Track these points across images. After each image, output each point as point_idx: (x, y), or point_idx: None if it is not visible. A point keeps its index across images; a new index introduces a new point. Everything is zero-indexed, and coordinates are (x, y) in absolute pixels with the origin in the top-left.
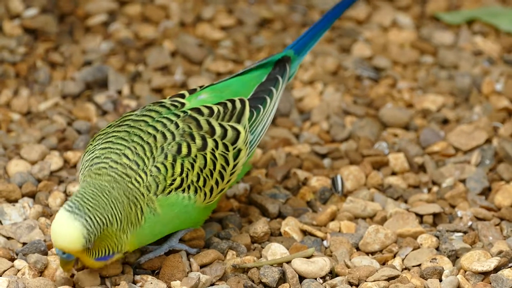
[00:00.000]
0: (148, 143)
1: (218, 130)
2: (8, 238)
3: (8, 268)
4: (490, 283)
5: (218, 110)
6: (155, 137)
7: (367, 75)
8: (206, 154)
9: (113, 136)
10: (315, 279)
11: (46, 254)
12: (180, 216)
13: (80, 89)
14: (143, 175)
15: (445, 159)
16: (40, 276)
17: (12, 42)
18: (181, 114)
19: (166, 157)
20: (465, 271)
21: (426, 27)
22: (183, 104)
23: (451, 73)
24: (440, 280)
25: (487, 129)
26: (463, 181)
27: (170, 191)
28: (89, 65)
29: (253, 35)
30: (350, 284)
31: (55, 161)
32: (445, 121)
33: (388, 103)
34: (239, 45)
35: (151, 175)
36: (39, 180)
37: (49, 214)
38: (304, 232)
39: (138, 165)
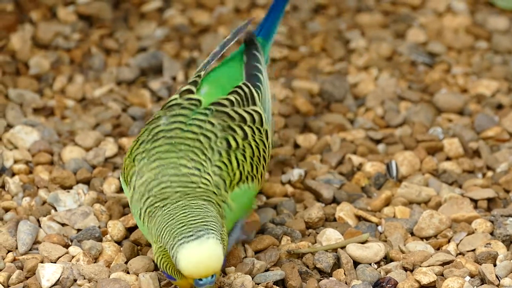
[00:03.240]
0: (196, 147)
1: (247, 117)
2: (63, 224)
3: (63, 255)
4: None
5: (236, 99)
6: (199, 140)
7: (421, 60)
8: (250, 142)
9: (157, 152)
10: (370, 264)
11: (100, 240)
12: (244, 207)
13: (135, 75)
14: (208, 177)
15: (499, 144)
16: (94, 262)
17: (67, 29)
18: (208, 112)
19: (220, 155)
20: None
21: (481, 12)
22: (199, 101)
23: (505, 58)
24: (495, 265)
25: None
26: None
27: (235, 185)
28: (144, 52)
29: (308, 21)
30: (405, 269)
31: (109, 147)
32: (499, 106)
33: (443, 89)
34: (294, 31)
35: (215, 175)
36: (93, 167)
37: (103, 200)
38: (359, 218)
39: (199, 169)
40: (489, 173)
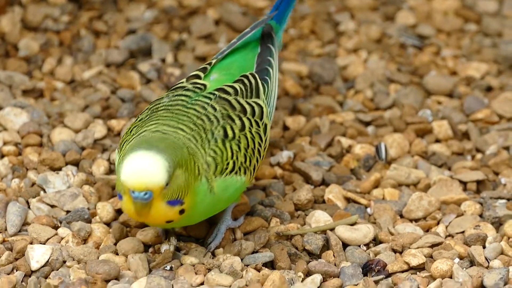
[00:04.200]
0: (198, 124)
1: (248, 108)
2: (52, 206)
3: (52, 236)
4: None
5: (240, 88)
6: (201, 119)
7: (411, 43)
8: (246, 134)
9: (156, 117)
10: (359, 246)
11: (89, 222)
12: (231, 197)
13: (124, 57)
14: (202, 150)
15: (488, 126)
16: (83, 244)
17: (56, 11)
18: (211, 96)
19: (216, 141)
20: (509, 238)
21: None
22: (205, 86)
23: (494, 41)
24: (484, 247)
25: None
26: (507, 148)
27: (226, 174)
28: (133, 34)
29: (297, 3)
30: (394, 251)
31: (98, 129)
32: (488, 89)
33: (432, 71)
34: None
35: (209, 156)
36: (83, 148)
37: (92, 182)
38: (348, 200)
39: (196, 139)
40: (479, 155)
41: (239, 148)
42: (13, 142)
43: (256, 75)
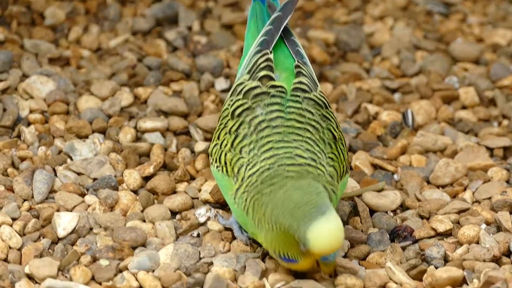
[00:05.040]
0: (308, 138)
1: (325, 101)
2: (79, 173)
3: (79, 204)
4: None
5: (308, 82)
6: (308, 130)
7: (437, 10)
8: (338, 129)
9: (268, 142)
10: (386, 212)
11: (116, 189)
12: (340, 195)
13: (150, 25)
14: (322, 168)
15: None
16: (110, 211)
17: None
18: (298, 99)
19: (331, 147)
20: None
21: None
22: (284, 88)
23: None
24: (511, 213)
25: None
26: None
27: (343, 176)
28: (159, 2)
29: None
30: (421, 217)
31: (125, 97)
32: None
33: (458, 38)
34: None
35: (329, 166)
36: (109, 116)
37: (119, 149)
38: (375, 166)
39: (314, 160)
40: (505, 122)
41: (343, 145)
42: (39, 110)
43: (301, 63)
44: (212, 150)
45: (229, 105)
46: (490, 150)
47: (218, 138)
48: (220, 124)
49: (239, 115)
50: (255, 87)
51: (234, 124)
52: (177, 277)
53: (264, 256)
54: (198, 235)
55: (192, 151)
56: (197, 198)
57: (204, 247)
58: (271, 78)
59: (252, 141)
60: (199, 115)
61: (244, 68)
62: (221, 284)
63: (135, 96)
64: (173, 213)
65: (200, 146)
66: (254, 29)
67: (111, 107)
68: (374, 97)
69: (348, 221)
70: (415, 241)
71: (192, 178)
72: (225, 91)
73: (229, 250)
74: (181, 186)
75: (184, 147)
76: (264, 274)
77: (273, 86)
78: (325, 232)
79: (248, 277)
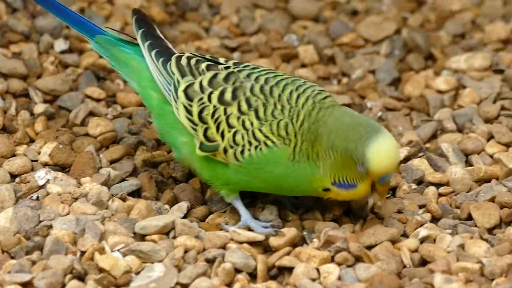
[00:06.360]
0: (300, 80)
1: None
2: None
3: None
4: (400, 173)
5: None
6: (290, 75)
7: None
8: None
9: (289, 94)
10: None
11: None
12: None
13: None
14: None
15: (354, 50)
16: None
17: None
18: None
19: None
20: None
21: None
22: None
23: None
24: None
25: (396, 20)
26: (372, 72)
27: None
28: None
29: None
30: None
31: None
32: (354, 13)
33: None
34: None
35: None
36: None
37: None
38: None
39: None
40: (345, 80)
41: None
42: None
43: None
44: (234, 140)
45: (203, 103)
46: None
47: (231, 126)
48: (215, 121)
49: (234, 97)
50: (216, 74)
51: (240, 105)
52: (17, 240)
53: (103, 219)
54: (38, 198)
55: (32, 113)
56: (37, 161)
57: (43, 210)
58: (218, 63)
59: (275, 103)
60: (39, 77)
61: (169, 79)
62: (60, 247)
63: None
64: (13, 176)
65: (39, 108)
66: (127, 56)
67: None
68: None
69: (187, 181)
70: None
71: (32, 141)
72: (64, 52)
73: (68, 213)
74: (21, 149)
75: (24, 109)
76: (103, 236)
77: (227, 67)
78: (384, 150)
79: (88, 239)
